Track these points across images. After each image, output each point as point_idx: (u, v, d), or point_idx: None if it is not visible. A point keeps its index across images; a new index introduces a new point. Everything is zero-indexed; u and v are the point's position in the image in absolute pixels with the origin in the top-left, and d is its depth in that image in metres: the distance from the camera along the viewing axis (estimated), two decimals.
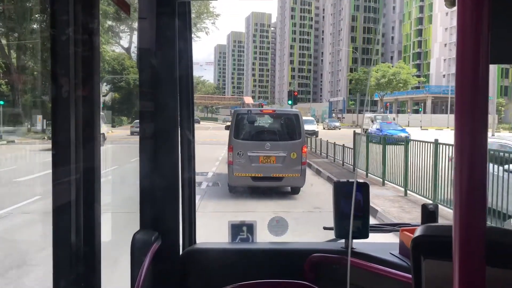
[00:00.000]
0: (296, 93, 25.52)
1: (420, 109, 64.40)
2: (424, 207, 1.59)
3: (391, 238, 2.41)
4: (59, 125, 0.98)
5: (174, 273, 1.63)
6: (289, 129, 10.17)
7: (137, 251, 1.44)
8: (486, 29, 0.44)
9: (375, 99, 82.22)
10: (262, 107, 28.01)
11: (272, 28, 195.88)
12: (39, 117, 31.96)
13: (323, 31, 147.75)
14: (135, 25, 1.81)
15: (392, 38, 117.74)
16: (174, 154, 1.62)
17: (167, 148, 1.59)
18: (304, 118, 10.20)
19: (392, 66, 61.59)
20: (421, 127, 52.02)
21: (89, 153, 1.04)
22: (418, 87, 71.96)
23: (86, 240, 1.03)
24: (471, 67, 0.44)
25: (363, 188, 1.58)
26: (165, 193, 1.60)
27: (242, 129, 10.25)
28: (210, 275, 1.67)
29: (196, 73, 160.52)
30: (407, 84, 58.89)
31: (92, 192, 1.05)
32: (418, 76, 71.40)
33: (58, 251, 0.99)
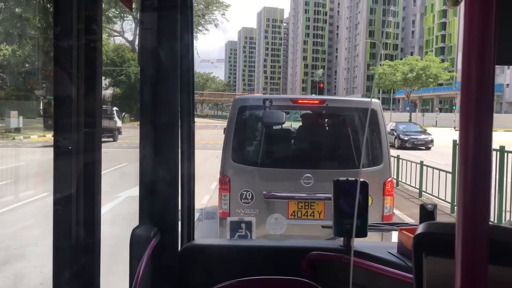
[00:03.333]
0: (322, 85, 20.00)
1: (454, 107, 58.01)
2: (422, 207, 1.62)
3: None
4: (61, 119, 0.99)
5: (172, 269, 1.62)
6: (357, 142, 4.64)
7: (136, 246, 1.43)
8: (492, 30, 0.44)
9: (396, 96, 76.06)
10: None
11: (284, 24, 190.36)
12: (14, 113, 27.71)
13: (337, 26, 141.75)
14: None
15: (413, 32, 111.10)
16: (174, 150, 1.60)
17: (168, 144, 1.57)
18: None
19: (421, 59, 55.35)
20: (454, 127, 45.93)
21: (90, 146, 1.04)
22: (441, 84, 65.74)
23: (86, 233, 1.04)
24: (477, 67, 0.45)
25: (363, 187, 1.54)
26: (165, 188, 1.58)
27: (249, 141, 4.82)
28: (208, 271, 1.66)
29: (207, 70, 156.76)
30: (437, 80, 52.63)
31: (92, 185, 1.05)
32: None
33: (58, 244, 1.00)
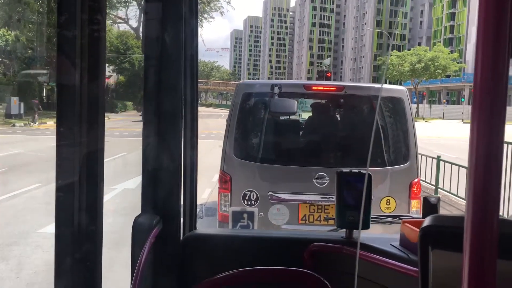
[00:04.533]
0: (329, 74, 19.29)
1: (463, 99, 56.93)
2: (426, 200, 1.63)
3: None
4: (64, 106, 1.00)
5: (174, 258, 1.63)
6: (378, 136, 4.04)
7: (138, 234, 1.43)
8: (507, 21, 0.43)
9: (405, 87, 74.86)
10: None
11: (290, 13, 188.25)
12: (15, 99, 27.26)
13: (344, 15, 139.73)
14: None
15: (421, 22, 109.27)
16: (178, 138, 1.61)
17: (171, 132, 1.57)
18: None
19: (430, 50, 54.22)
20: (462, 119, 45.09)
21: (93, 134, 1.04)
22: (449, 76, 64.60)
23: (89, 220, 1.05)
24: (491, 61, 0.44)
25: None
26: (168, 177, 1.58)
27: (254, 133, 4.22)
28: (210, 261, 1.67)
29: (212, 59, 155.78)
30: (446, 71, 51.60)
31: (95, 172, 1.05)
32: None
33: (60, 231, 1.01)
